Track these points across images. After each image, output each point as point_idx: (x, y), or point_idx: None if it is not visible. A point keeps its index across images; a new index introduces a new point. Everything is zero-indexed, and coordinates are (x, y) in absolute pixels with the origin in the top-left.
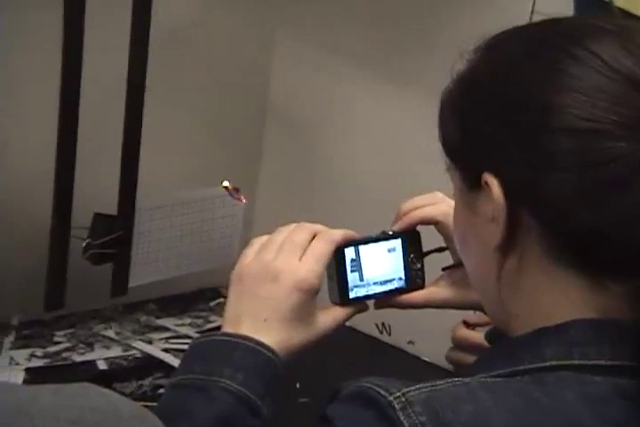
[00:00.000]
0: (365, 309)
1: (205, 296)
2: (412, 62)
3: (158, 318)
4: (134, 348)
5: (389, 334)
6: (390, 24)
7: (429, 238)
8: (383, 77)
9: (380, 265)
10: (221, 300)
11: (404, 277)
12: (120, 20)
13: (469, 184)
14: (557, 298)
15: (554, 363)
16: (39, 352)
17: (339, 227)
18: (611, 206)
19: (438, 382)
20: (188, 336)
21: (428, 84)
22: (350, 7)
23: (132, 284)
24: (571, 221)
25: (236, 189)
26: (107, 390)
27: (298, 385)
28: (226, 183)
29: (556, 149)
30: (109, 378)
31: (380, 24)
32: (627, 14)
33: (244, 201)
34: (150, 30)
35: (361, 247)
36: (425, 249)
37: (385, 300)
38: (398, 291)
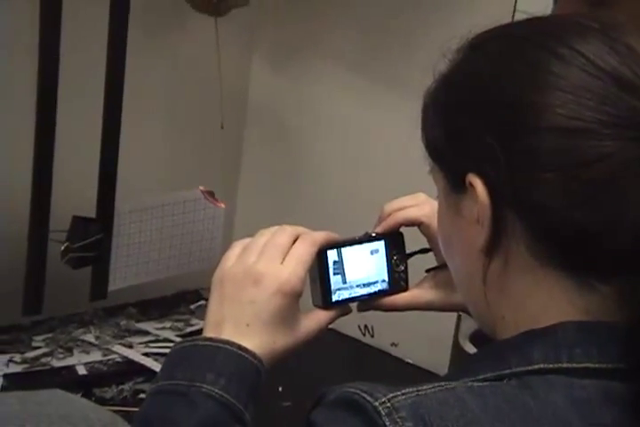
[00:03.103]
0: (349, 312)
1: (186, 299)
2: (394, 63)
3: (138, 321)
4: (114, 352)
5: (372, 336)
6: (372, 25)
7: (413, 240)
8: (365, 79)
9: (363, 267)
10: (202, 302)
11: (387, 279)
12: (96, 23)
13: (453, 185)
14: (544, 300)
15: (541, 366)
16: (17, 358)
17: (321, 229)
18: (597, 206)
19: (424, 387)
20: (168, 340)
21: (411, 85)
22: (331, 9)
23: (111, 287)
24: (556, 221)
25: (210, 193)
26: (75, 397)
27: (280, 389)
28: (200, 188)
29: (540, 150)
30: (89, 383)
31: (361, 25)
32: None
33: (223, 206)
34: (127, 34)
35: (343, 249)
36: (408, 251)
37: (368, 302)
38: (382, 293)
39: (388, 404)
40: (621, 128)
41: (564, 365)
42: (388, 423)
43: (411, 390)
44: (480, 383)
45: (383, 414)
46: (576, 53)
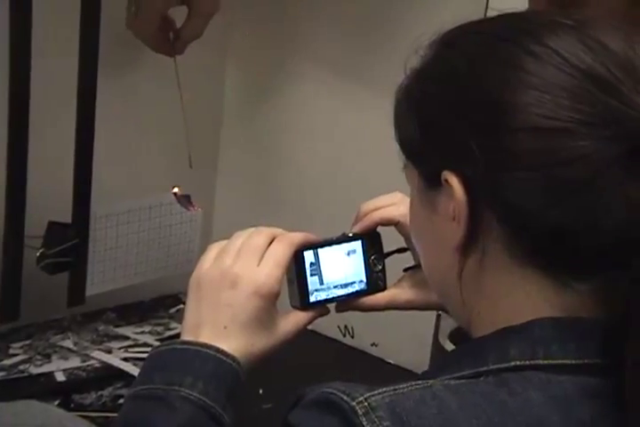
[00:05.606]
0: (327, 312)
1: (165, 303)
2: (373, 63)
3: (117, 326)
4: (93, 358)
5: (352, 337)
6: (348, 22)
7: (390, 239)
8: (343, 79)
9: (341, 268)
10: (181, 306)
11: (365, 279)
12: (68, 25)
13: (428, 182)
14: (520, 297)
15: (518, 363)
16: None
17: (299, 230)
18: (574, 206)
19: (401, 386)
20: (147, 344)
21: (389, 85)
22: (308, 10)
23: (89, 293)
24: (533, 220)
25: (186, 197)
26: (51, 407)
27: (261, 391)
28: (175, 189)
29: (517, 149)
30: (68, 389)
31: (337, 22)
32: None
33: (199, 209)
34: (100, 35)
35: (320, 250)
36: (386, 250)
37: (346, 303)
38: (360, 293)
39: (365, 403)
40: (598, 127)
41: (541, 361)
42: (365, 423)
43: (388, 389)
44: (457, 381)
45: (360, 413)
46: (550, 51)
